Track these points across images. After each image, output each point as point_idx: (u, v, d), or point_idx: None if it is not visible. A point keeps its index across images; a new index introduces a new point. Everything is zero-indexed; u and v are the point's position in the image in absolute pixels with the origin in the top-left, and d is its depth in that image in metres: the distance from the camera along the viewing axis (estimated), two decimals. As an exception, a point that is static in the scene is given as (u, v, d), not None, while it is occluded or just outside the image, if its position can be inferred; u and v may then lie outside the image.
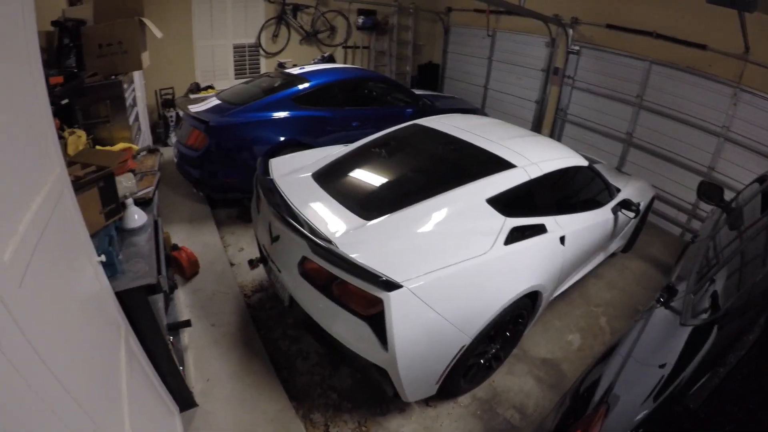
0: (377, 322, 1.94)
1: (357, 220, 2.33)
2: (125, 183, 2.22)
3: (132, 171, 2.54)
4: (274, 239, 2.47)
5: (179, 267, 3.35)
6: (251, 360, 2.73)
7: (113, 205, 1.84)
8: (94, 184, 1.71)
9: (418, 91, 5.82)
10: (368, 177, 2.90)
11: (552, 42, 6.31)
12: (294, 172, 2.89)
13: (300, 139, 4.33)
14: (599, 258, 3.58)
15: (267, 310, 3.24)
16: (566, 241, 2.73)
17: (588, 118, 6.13)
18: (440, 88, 8.62)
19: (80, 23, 2.89)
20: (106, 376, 1.34)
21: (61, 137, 2.18)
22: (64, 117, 2.39)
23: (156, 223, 2.33)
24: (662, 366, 1.73)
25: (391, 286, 1.89)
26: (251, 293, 3.42)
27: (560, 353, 3.11)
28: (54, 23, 2.72)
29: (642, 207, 3.62)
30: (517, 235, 2.43)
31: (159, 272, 1.93)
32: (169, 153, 5.37)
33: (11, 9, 1.01)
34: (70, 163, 1.86)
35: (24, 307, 0.88)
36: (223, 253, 3.86)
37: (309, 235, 2.09)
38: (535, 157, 2.86)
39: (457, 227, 2.33)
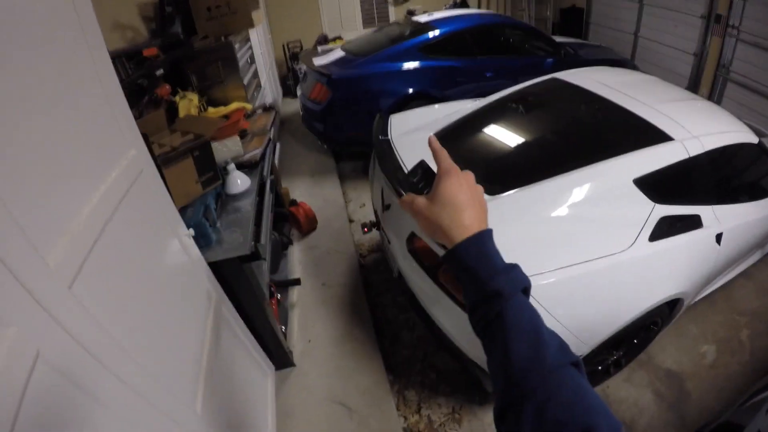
0: None
1: None
2: (231, 146, 2.24)
3: (244, 131, 2.57)
4: (386, 207, 2.33)
5: (297, 223, 3.44)
6: (356, 325, 2.71)
7: (210, 174, 1.85)
8: (189, 154, 1.71)
9: (559, 39, 5.10)
10: (496, 141, 2.54)
11: (715, -19, 4.99)
12: (415, 131, 2.67)
13: (429, 91, 4.11)
14: (755, 257, 2.81)
15: (381, 272, 3.19)
16: (723, 240, 2.13)
17: (755, 78, 4.83)
18: (585, 35, 7.51)
19: (188, -11, 2.95)
20: (185, 349, 1.37)
21: (172, 102, 2.25)
22: (178, 80, 2.48)
23: (263, 185, 2.35)
24: None
25: None
26: (367, 253, 3.40)
27: (689, 366, 2.54)
28: (152, -7, 2.81)
29: None
30: (665, 227, 1.93)
31: (258, 240, 1.93)
32: (296, 105, 5.51)
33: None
34: (173, 130, 1.89)
35: (76, 307, 0.85)
36: (343, 210, 3.88)
37: None
38: (697, 128, 2.22)
39: (596, 213, 1.91)
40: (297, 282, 2.83)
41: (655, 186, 2.01)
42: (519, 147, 2.44)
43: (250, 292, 1.95)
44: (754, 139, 2.45)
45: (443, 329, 1.99)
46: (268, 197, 2.41)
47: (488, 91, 4.02)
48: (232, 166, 2.09)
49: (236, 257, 1.77)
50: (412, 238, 2.08)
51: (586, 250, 1.79)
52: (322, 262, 3.25)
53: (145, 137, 1.40)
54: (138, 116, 1.92)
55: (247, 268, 1.86)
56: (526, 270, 1.68)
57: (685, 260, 2.01)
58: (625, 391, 2.41)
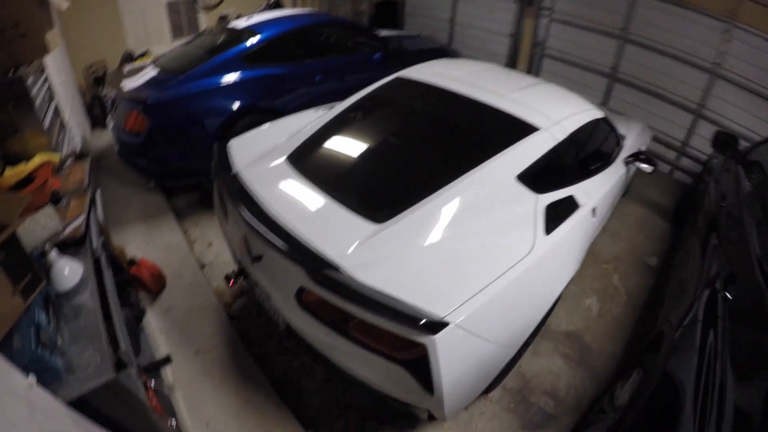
0: (418, 367, 1.50)
1: (365, 224, 1.78)
2: (45, 222, 1.67)
3: (56, 194, 1.97)
4: (256, 258, 1.94)
5: (142, 285, 2.84)
6: (251, 389, 2.34)
7: (29, 276, 1.32)
8: (-7, 261, 1.19)
9: (382, 32, 5.15)
10: (366, 158, 2.27)
11: (526, -32, 5.64)
12: (264, 158, 2.27)
13: (257, 104, 3.75)
14: (609, 213, 3.24)
15: (254, 319, 2.80)
16: (597, 212, 2.37)
17: (569, 52, 5.64)
18: (401, 25, 7.77)
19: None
20: None
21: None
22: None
23: (98, 264, 1.82)
24: None
25: (435, 326, 1.41)
26: (232, 300, 2.95)
27: (581, 323, 2.89)
28: None
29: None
30: (552, 217, 2.00)
31: (117, 347, 1.47)
32: (109, 137, 4.59)
33: None
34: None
35: None
36: (190, 255, 3.33)
37: (304, 260, 1.60)
38: (556, 114, 2.38)
39: (492, 219, 1.86)
40: (167, 360, 2.31)
41: (533, 177, 2.07)
42: (390, 160, 2.26)
43: (128, 409, 1.48)
44: (600, 114, 2.75)
45: (365, 381, 1.75)
46: (110, 279, 1.88)
47: (320, 96, 3.86)
48: (54, 253, 1.54)
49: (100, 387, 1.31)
50: (301, 292, 1.75)
51: (495, 264, 1.70)
52: (186, 325, 2.72)
53: None
54: None
55: (116, 385, 1.40)
56: (441, 308, 1.53)
57: (576, 241, 2.15)
58: (537, 364, 2.59)
